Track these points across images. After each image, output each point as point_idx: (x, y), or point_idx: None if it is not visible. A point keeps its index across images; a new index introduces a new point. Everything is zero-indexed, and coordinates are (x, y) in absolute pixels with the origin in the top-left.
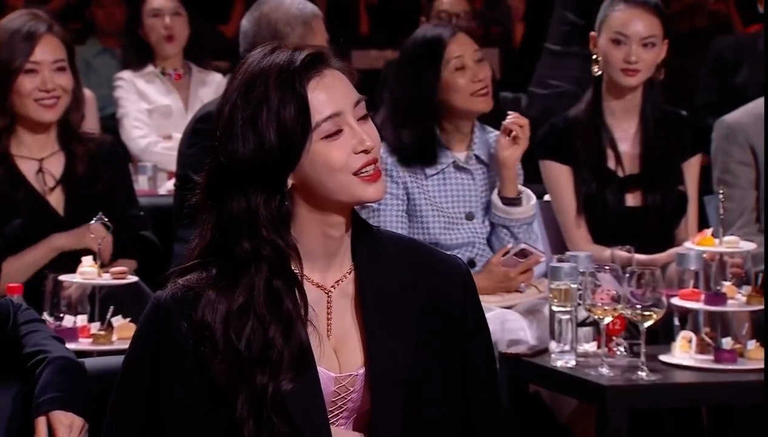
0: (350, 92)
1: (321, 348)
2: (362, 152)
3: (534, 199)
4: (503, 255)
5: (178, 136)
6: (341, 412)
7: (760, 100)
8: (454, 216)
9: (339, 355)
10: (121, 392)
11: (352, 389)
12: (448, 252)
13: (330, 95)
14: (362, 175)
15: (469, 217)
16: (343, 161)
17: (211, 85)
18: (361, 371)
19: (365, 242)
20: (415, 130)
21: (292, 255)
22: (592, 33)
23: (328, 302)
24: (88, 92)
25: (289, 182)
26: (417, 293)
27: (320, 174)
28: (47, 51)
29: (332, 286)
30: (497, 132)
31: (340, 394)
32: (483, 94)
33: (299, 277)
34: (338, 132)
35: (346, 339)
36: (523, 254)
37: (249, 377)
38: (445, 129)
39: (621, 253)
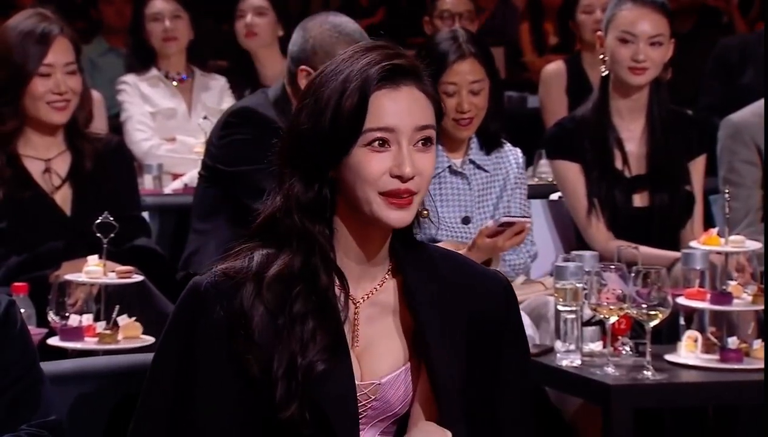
0: (417, 115)
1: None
2: (397, 176)
3: None
4: (487, 236)
5: (181, 138)
6: (360, 419)
7: None
8: (450, 220)
9: (361, 363)
10: (153, 375)
11: (373, 397)
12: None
13: (393, 109)
14: (390, 199)
15: (465, 221)
16: (375, 176)
17: (215, 90)
18: (384, 379)
19: (407, 252)
20: None
21: (324, 245)
22: (599, 33)
23: (355, 312)
24: (96, 94)
25: (330, 173)
26: (462, 305)
27: (353, 180)
28: (60, 53)
29: (362, 298)
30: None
31: (360, 401)
32: (466, 124)
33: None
34: (384, 147)
35: (370, 347)
36: (507, 225)
37: (284, 343)
38: (441, 137)
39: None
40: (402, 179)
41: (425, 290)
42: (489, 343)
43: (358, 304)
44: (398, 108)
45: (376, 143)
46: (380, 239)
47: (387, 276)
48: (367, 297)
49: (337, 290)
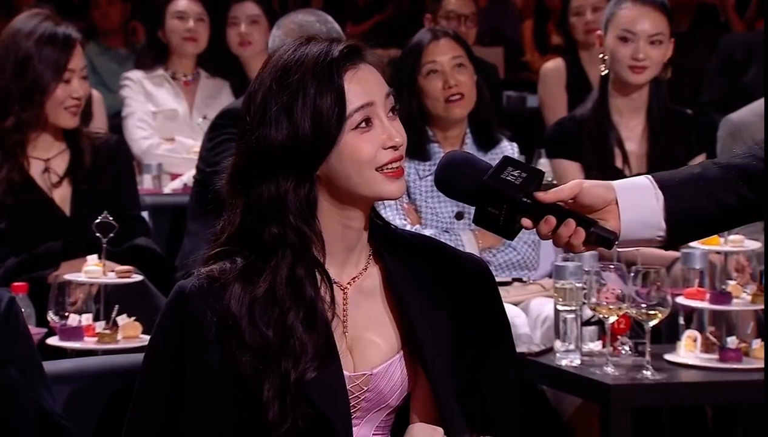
0: (382, 85)
1: (338, 346)
2: (390, 147)
3: None
4: None
5: (181, 139)
6: (354, 412)
7: None
8: (444, 216)
9: (353, 354)
10: (143, 381)
11: (365, 388)
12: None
13: (364, 87)
14: (386, 171)
15: (459, 216)
16: (372, 154)
17: (219, 95)
18: (376, 370)
19: (384, 239)
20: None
21: (317, 244)
22: (599, 32)
23: (344, 299)
24: (95, 93)
25: (318, 172)
26: (442, 288)
27: (347, 166)
28: (78, 58)
29: (348, 283)
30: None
31: (354, 393)
32: (457, 100)
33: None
34: (369, 124)
35: (361, 337)
36: None
37: (274, 363)
38: (436, 133)
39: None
40: (395, 147)
41: (404, 275)
42: (472, 327)
43: (345, 290)
44: (368, 82)
45: (363, 122)
46: (359, 225)
47: (369, 261)
48: (353, 281)
49: (318, 276)
